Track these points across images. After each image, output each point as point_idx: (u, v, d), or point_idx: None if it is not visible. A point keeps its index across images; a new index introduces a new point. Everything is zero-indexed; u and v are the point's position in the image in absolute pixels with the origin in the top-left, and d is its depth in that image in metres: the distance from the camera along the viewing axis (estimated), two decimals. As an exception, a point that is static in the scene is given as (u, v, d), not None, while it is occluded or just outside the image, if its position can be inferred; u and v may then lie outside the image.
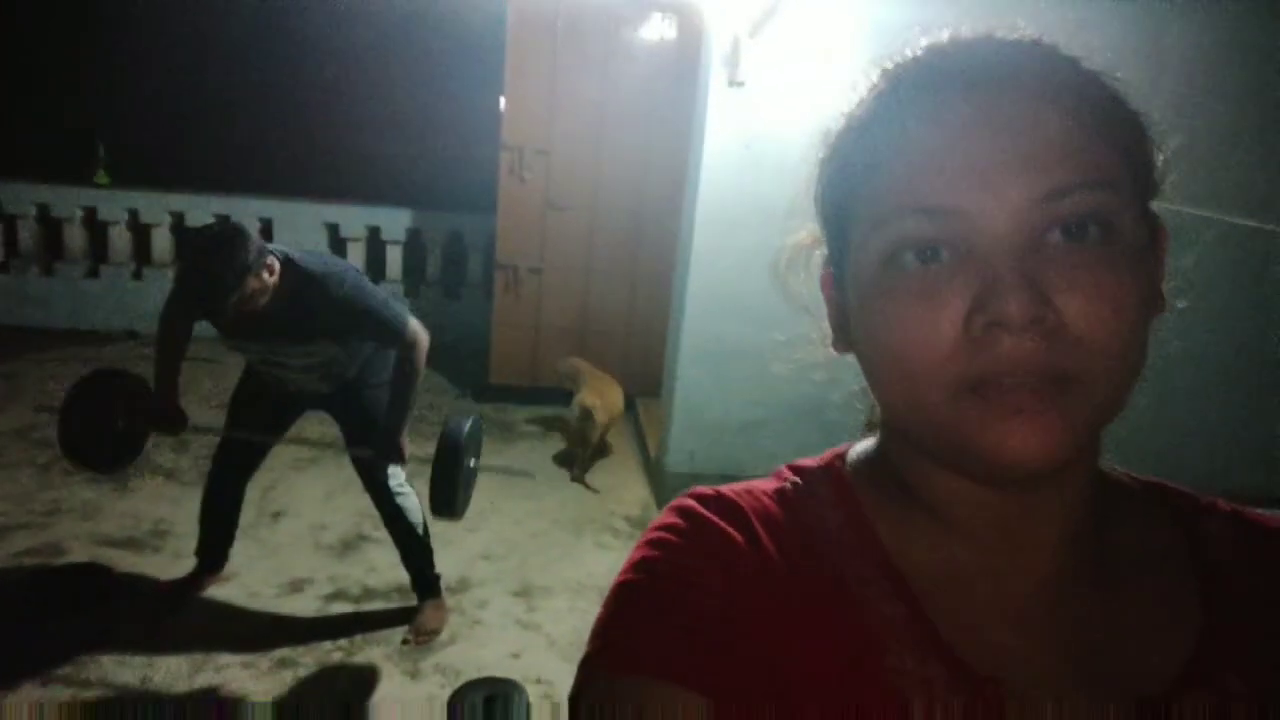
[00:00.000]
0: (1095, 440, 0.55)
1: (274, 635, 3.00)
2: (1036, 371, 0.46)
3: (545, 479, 4.52)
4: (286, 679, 2.79)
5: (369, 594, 3.31)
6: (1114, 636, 0.54)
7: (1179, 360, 2.13)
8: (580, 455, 4.61)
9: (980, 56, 0.50)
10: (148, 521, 3.63)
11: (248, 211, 6.42)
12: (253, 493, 3.28)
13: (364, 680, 2.84)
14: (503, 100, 5.32)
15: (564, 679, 2.86)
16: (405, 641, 3.01)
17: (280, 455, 3.60)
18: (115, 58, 7.47)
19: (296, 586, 3.31)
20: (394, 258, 6.63)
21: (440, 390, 5.74)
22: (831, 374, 0.66)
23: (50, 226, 6.50)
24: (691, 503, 0.60)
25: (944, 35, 0.53)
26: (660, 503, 4.17)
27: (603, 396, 4.65)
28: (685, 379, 4.10)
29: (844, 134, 0.55)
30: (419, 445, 4.57)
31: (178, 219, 6.47)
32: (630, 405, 5.38)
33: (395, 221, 6.56)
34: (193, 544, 3.21)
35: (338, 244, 6.53)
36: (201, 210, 6.40)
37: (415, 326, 2.78)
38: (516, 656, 3.01)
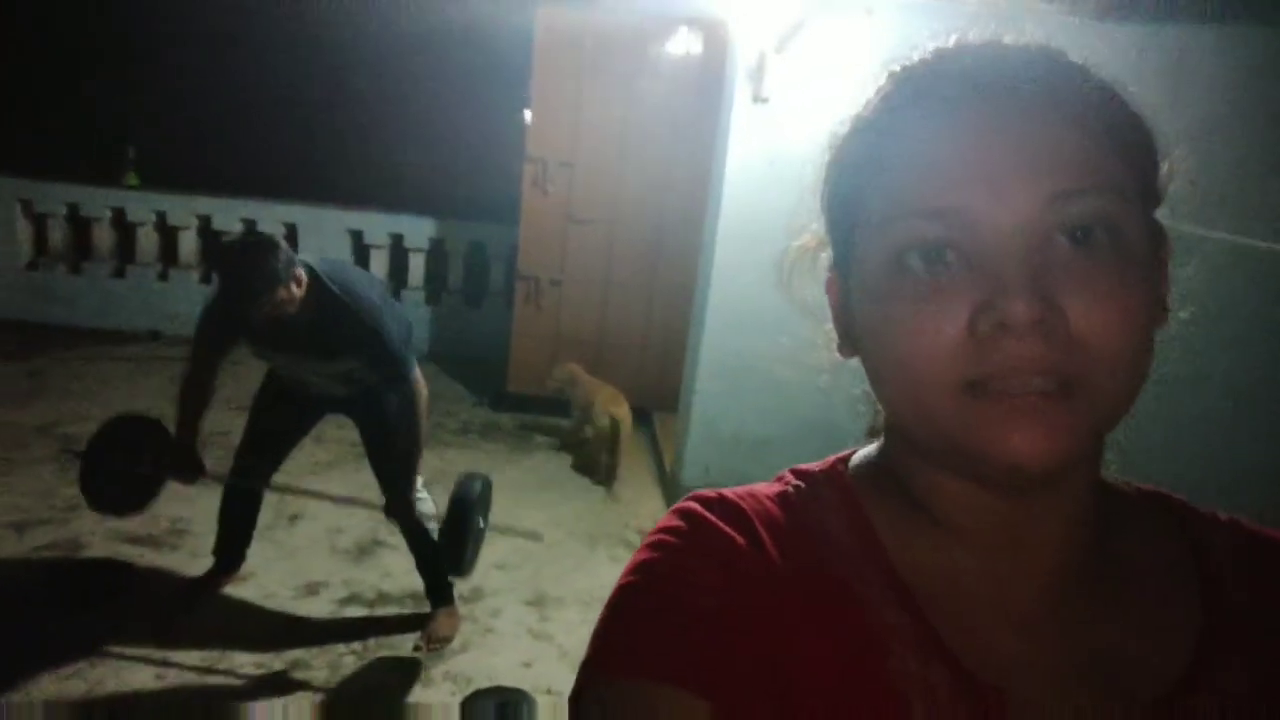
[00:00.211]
0: (1098, 446, 0.55)
1: (288, 637, 3.02)
2: (1041, 375, 0.46)
3: (560, 491, 4.53)
4: (299, 681, 2.80)
5: (383, 599, 3.33)
6: (1116, 641, 0.54)
7: (1198, 383, 2.12)
8: (608, 463, 4.65)
9: (988, 61, 0.51)
10: (166, 520, 3.66)
11: (273, 216, 6.49)
12: (271, 495, 3.31)
13: (376, 685, 2.85)
14: (527, 113, 5.36)
15: (574, 690, 2.86)
16: (417, 648, 3.01)
17: (299, 459, 3.62)
18: (147, 63, 7.57)
19: (312, 589, 3.33)
20: (416, 266, 6.67)
21: (459, 398, 5.77)
22: (846, 390, 0.66)
23: (79, 226, 6.60)
24: (693, 505, 0.59)
25: (951, 41, 0.53)
26: (675, 516, 4.16)
27: (617, 402, 4.70)
28: (703, 393, 4.10)
29: (851, 137, 0.56)
30: (435, 453, 4.60)
31: (204, 222, 6.54)
32: (646, 419, 5.39)
33: (419, 230, 6.61)
34: (210, 543, 3.23)
35: (361, 250, 6.59)
36: (228, 214, 6.48)
37: (418, 375, 2.83)
38: (528, 666, 3.01)
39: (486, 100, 7.54)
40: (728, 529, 0.57)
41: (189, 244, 6.60)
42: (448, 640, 3.07)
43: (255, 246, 2.54)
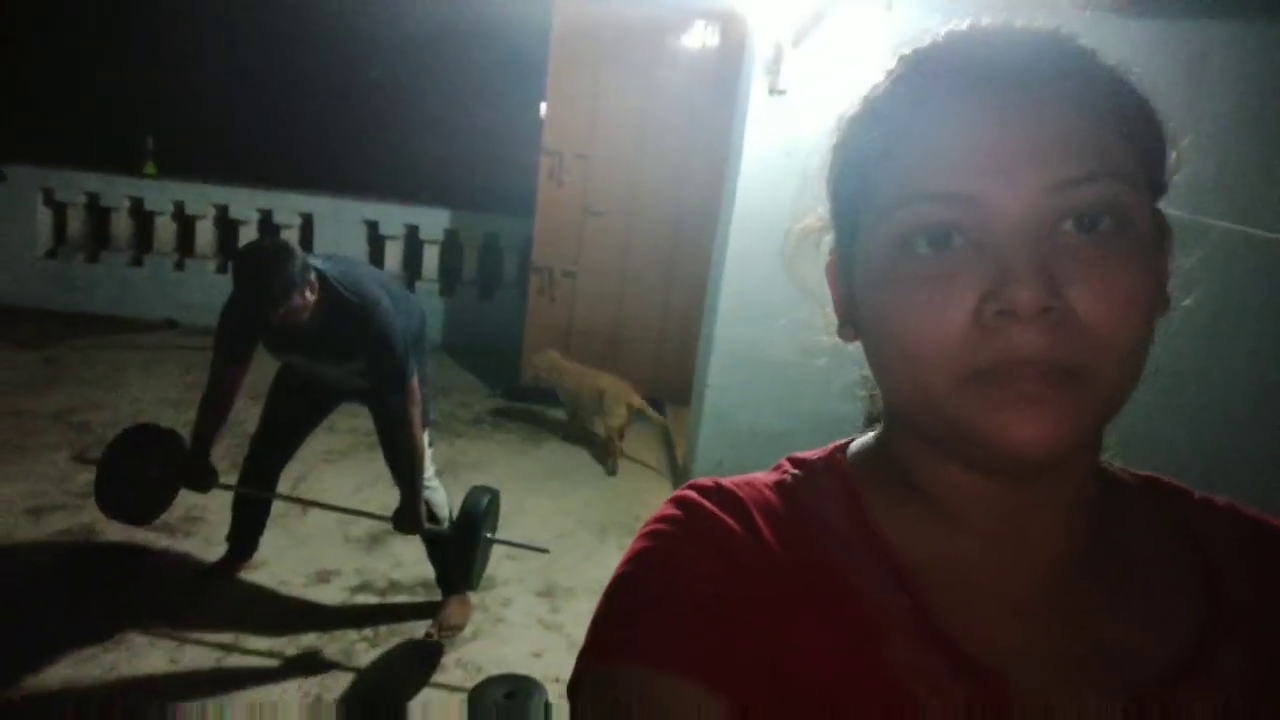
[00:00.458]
0: (1098, 434, 0.55)
1: (300, 623, 3.04)
2: (1045, 361, 0.45)
3: (570, 481, 4.54)
4: (312, 667, 2.83)
5: (394, 587, 3.34)
6: (1116, 628, 0.54)
7: (1223, 384, 2.10)
8: (615, 443, 4.74)
9: (998, 46, 0.50)
10: (181, 507, 3.67)
11: (289, 206, 6.52)
12: (284, 484, 3.33)
13: (387, 671, 2.87)
14: (543, 105, 5.35)
15: (584, 680, 2.87)
16: (428, 635, 3.03)
17: (312, 447, 3.65)
18: (166, 53, 7.62)
19: (324, 577, 3.35)
20: (431, 256, 6.69)
21: (472, 389, 5.78)
22: (860, 384, 0.65)
23: (98, 215, 6.64)
24: (690, 494, 0.59)
25: (963, 24, 0.53)
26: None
27: (629, 394, 4.77)
28: (716, 386, 4.10)
29: (859, 119, 0.55)
30: (447, 443, 4.62)
31: (222, 211, 6.57)
32: (659, 410, 5.39)
33: (434, 221, 6.62)
34: (224, 530, 3.26)
35: (376, 241, 6.61)
36: (245, 204, 6.51)
37: (414, 385, 2.83)
38: (538, 655, 3.02)
39: (502, 92, 7.54)
40: (725, 517, 0.57)
41: (206, 234, 6.63)
42: (459, 628, 3.08)
43: (271, 253, 2.57)
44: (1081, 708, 0.50)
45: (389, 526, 2.97)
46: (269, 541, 3.36)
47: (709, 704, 0.49)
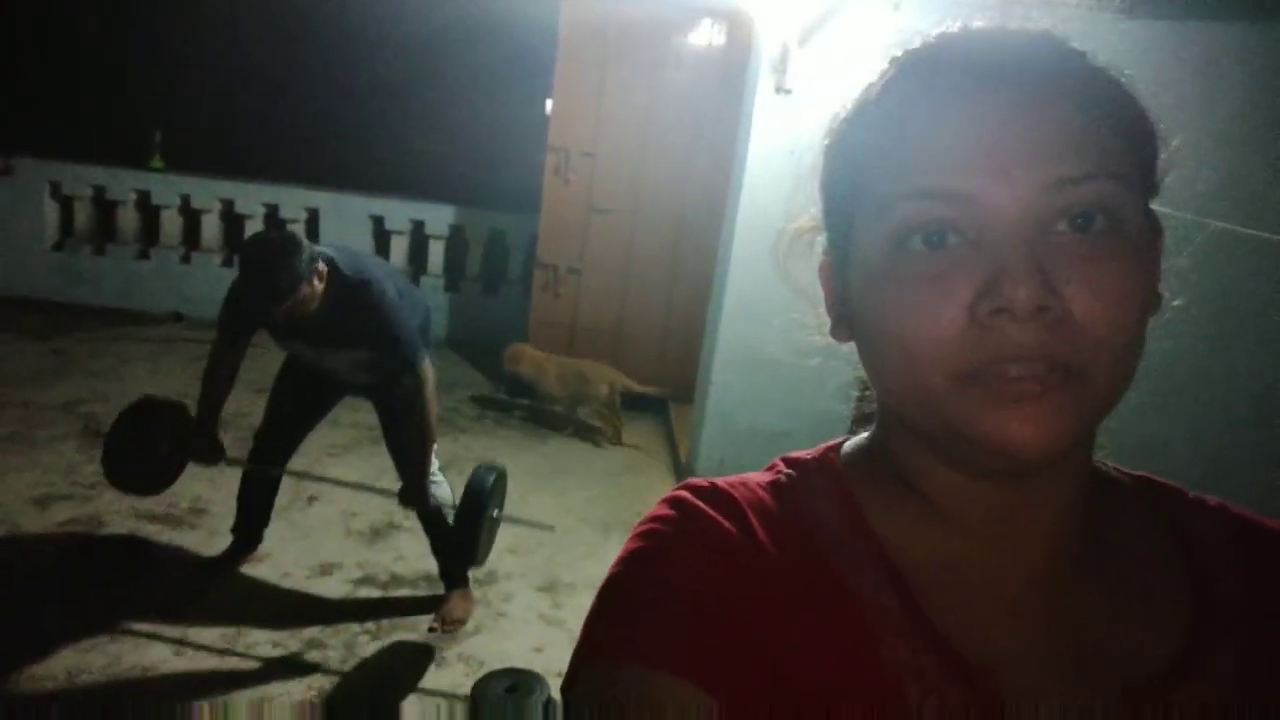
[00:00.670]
0: (1091, 433, 0.55)
1: (303, 616, 3.06)
2: (1040, 360, 0.46)
3: (573, 477, 4.55)
4: (314, 659, 2.84)
5: (396, 580, 3.36)
6: (1107, 627, 0.54)
7: (1225, 384, 2.10)
8: (614, 423, 5.00)
9: (993, 46, 0.51)
10: (186, 499, 3.71)
11: (295, 201, 6.53)
12: (288, 479, 3.34)
13: (389, 665, 2.88)
14: (549, 102, 5.36)
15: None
16: (431, 629, 3.05)
17: (316, 441, 3.66)
18: (174, 48, 7.64)
19: (326, 570, 3.36)
20: (436, 252, 6.70)
21: (476, 385, 5.79)
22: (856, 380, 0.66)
23: (105, 208, 6.65)
24: (684, 494, 0.59)
25: (956, 25, 0.53)
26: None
27: (595, 365, 5.09)
28: (719, 384, 4.11)
29: (853, 119, 0.55)
30: (451, 438, 4.63)
31: (227, 206, 6.59)
32: (663, 409, 5.41)
33: (439, 217, 6.63)
34: (229, 522, 3.28)
35: (382, 236, 6.62)
36: (251, 198, 6.52)
37: (427, 365, 2.84)
38: (539, 650, 3.03)
39: (509, 89, 7.56)
40: (720, 517, 0.57)
41: (212, 227, 6.65)
42: (462, 622, 3.09)
43: (278, 245, 2.57)
44: (1074, 707, 0.51)
45: (391, 520, 2.98)
46: (272, 534, 3.38)
47: (704, 703, 0.49)
